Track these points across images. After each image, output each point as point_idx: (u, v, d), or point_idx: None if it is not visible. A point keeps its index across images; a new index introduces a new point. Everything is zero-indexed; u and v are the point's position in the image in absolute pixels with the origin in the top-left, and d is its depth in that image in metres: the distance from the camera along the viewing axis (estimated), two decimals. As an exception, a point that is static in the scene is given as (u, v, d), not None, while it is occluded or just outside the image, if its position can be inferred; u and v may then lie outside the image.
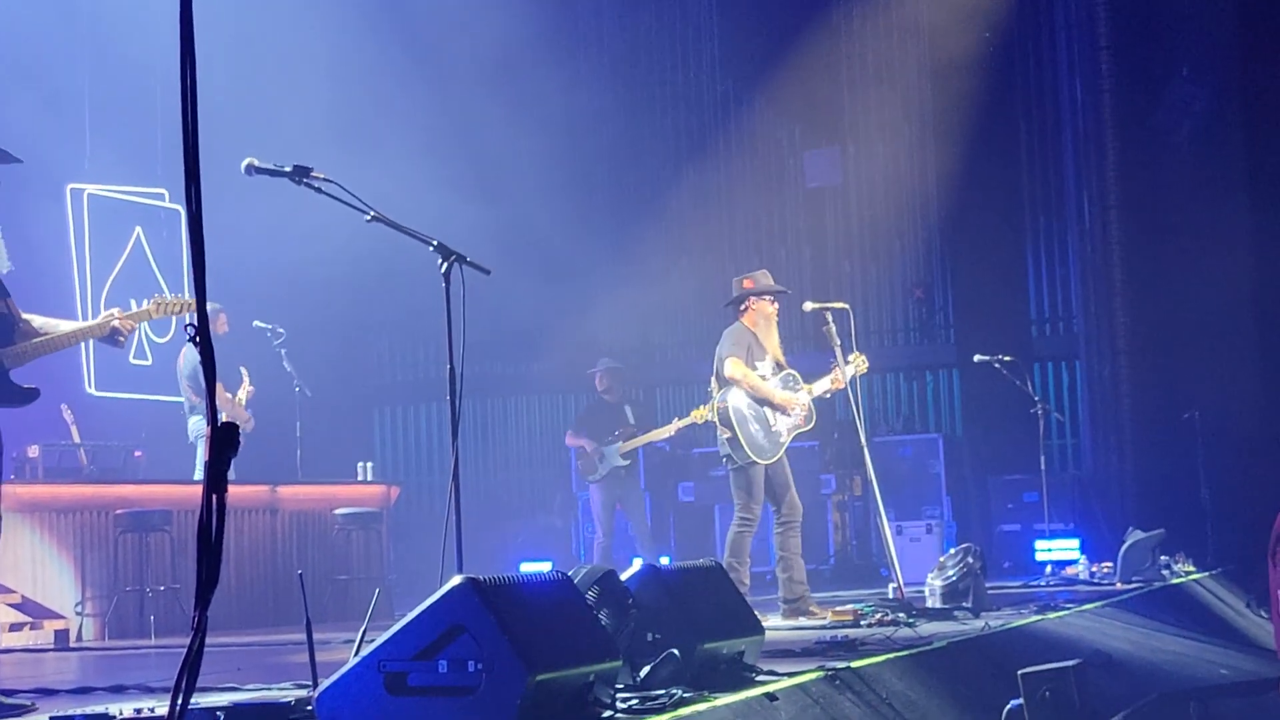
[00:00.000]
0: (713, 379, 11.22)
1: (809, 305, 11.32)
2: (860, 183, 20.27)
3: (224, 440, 3.77)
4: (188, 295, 7.81)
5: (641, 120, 20.85)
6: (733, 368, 10.92)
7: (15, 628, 11.88)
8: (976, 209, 19.01)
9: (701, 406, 16.23)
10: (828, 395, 11.46)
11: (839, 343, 11.16)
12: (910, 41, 19.61)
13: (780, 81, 19.30)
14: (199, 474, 13.97)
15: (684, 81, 21.07)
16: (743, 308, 11.27)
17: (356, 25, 18.39)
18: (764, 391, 10.96)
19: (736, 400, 10.92)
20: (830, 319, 11.24)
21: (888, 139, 19.74)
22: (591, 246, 20.95)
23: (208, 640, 9.72)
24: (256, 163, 6.65)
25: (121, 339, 7.29)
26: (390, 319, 21.15)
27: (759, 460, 10.88)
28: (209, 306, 3.52)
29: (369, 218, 6.71)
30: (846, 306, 11.40)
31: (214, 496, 3.69)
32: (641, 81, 20.96)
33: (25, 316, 7.09)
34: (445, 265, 6.72)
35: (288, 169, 6.62)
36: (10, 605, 12.05)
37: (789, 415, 11.05)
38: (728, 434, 10.92)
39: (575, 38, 20.63)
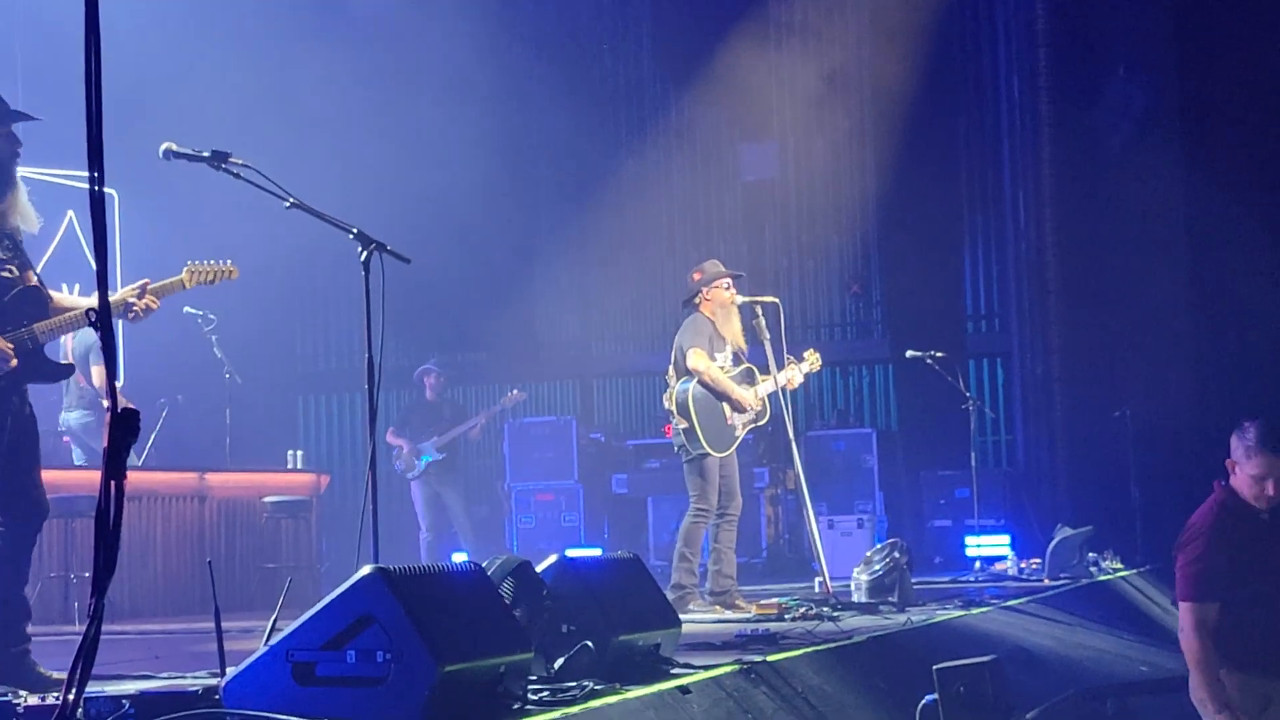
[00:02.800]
0: (670, 368, 11.16)
1: (740, 299, 11.30)
2: (798, 177, 20.27)
3: (124, 426, 3.74)
4: (209, 264, 7.37)
5: (581, 109, 20.79)
6: (695, 359, 10.86)
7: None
8: (913, 205, 19.05)
9: (513, 391, 16.59)
10: (792, 388, 11.46)
11: (769, 336, 11.15)
12: (849, 35, 19.61)
13: (718, 73, 19.27)
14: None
15: (624, 71, 21.04)
16: (697, 300, 11.23)
17: (289, 9, 18.26)
18: (724, 386, 10.93)
19: (695, 392, 10.89)
20: (760, 312, 11.24)
21: (825, 133, 19.72)
22: (530, 236, 20.95)
23: (131, 627, 9.74)
24: (175, 147, 6.60)
25: (133, 315, 6.97)
26: (318, 306, 21.09)
27: (713, 452, 10.87)
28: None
29: (288, 204, 6.67)
30: (777, 301, 11.38)
31: (112, 483, 3.66)
32: (581, 70, 20.91)
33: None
34: (365, 254, 6.68)
35: (206, 154, 6.57)
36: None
37: (745, 410, 11.05)
38: (684, 425, 10.88)
39: (514, 25, 20.55)
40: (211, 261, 7.40)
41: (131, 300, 6.96)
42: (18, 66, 16.63)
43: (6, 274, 6.73)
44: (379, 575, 5.08)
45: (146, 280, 7.08)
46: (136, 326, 7.59)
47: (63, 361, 7.07)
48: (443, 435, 15.99)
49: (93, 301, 6.80)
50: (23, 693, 6.00)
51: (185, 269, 7.30)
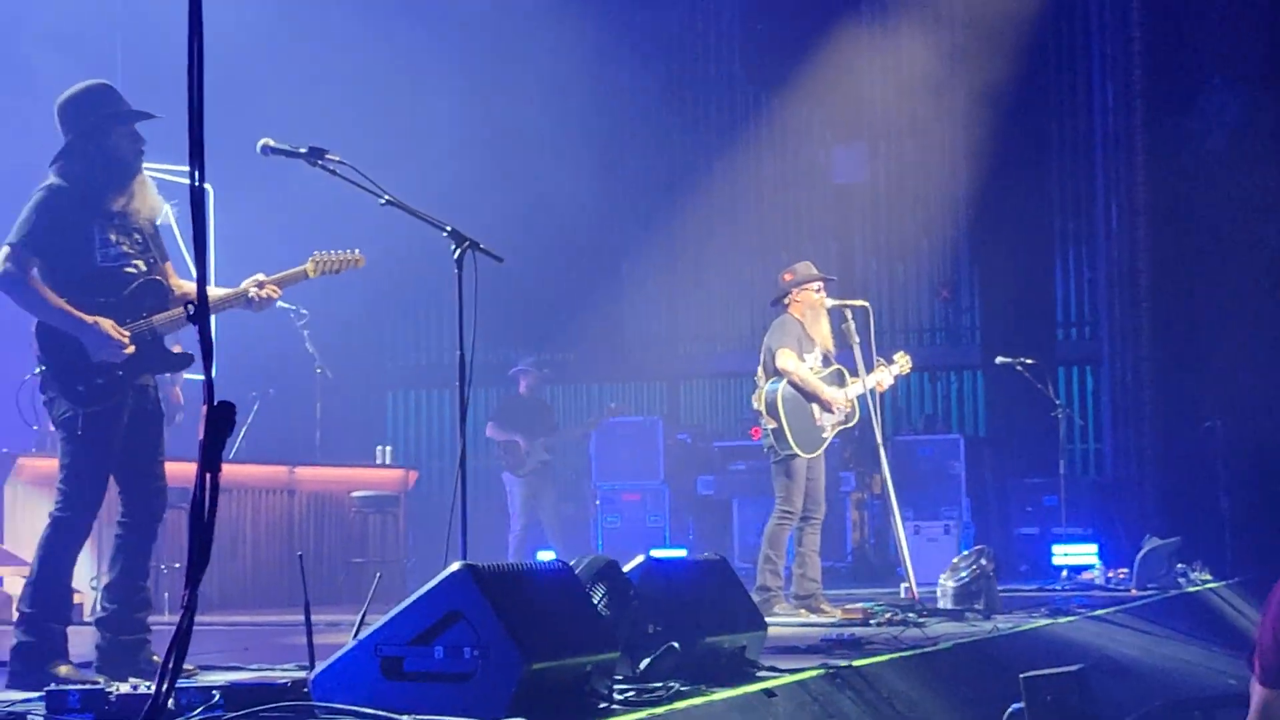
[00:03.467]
0: (759, 369, 11.17)
1: (829, 302, 11.28)
2: (889, 180, 20.20)
3: (220, 420, 3.77)
4: (334, 254, 7.31)
5: (671, 111, 20.83)
6: (784, 359, 10.87)
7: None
8: (1005, 210, 18.95)
9: (612, 404, 16.56)
10: (882, 391, 11.45)
11: (858, 340, 11.14)
12: (943, 40, 19.52)
13: (810, 76, 19.25)
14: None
15: (714, 73, 21.03)
16: (787, 301, 11.22)
17: (385, 8, 18.39)
18: (813, 386, 10.93)
19: (785, 392, 10.88)
20: (850, 316, 11.23)
21: (917, 137, 19.67)
22: (619, 236, 20.99)
23: (221, 619, 9.88)
24: (272, 143, 6.65)
25: (256, 306, 7.08)
26: (409, 303, 21.16)
27: (801, 453, 10.87)
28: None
29: (383, 201, 6.71)
30: (867, 304, 11.38)
31: (208, 476, 3.70)
32: (671, 73, 20.93)
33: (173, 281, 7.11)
34: (458, 251, 6.71)
35: (303, 150, 6.63)
36: (27, 579, 12.09)
37: (833, 412, 11.04)
38: (773, 425, 10.88)
39: (607, 29, 20.60)
40: (336, 251, 7.37)
41: (251, 292, 7.06)
42: (118, 62, 16.79)
43: (131, 268, 6.86)
44: (468, 572, 5.11)
45: (261, 275, 7.17)
46: (229, 320, 7.68)
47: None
48: (554, 437, 16.07)
49: (220, 292, 7.01)
50: (115, 682, 6.07)
51: (310, 258, 7.30)
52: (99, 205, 6.80)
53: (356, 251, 7.43)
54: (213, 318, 7.08)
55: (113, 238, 6.80)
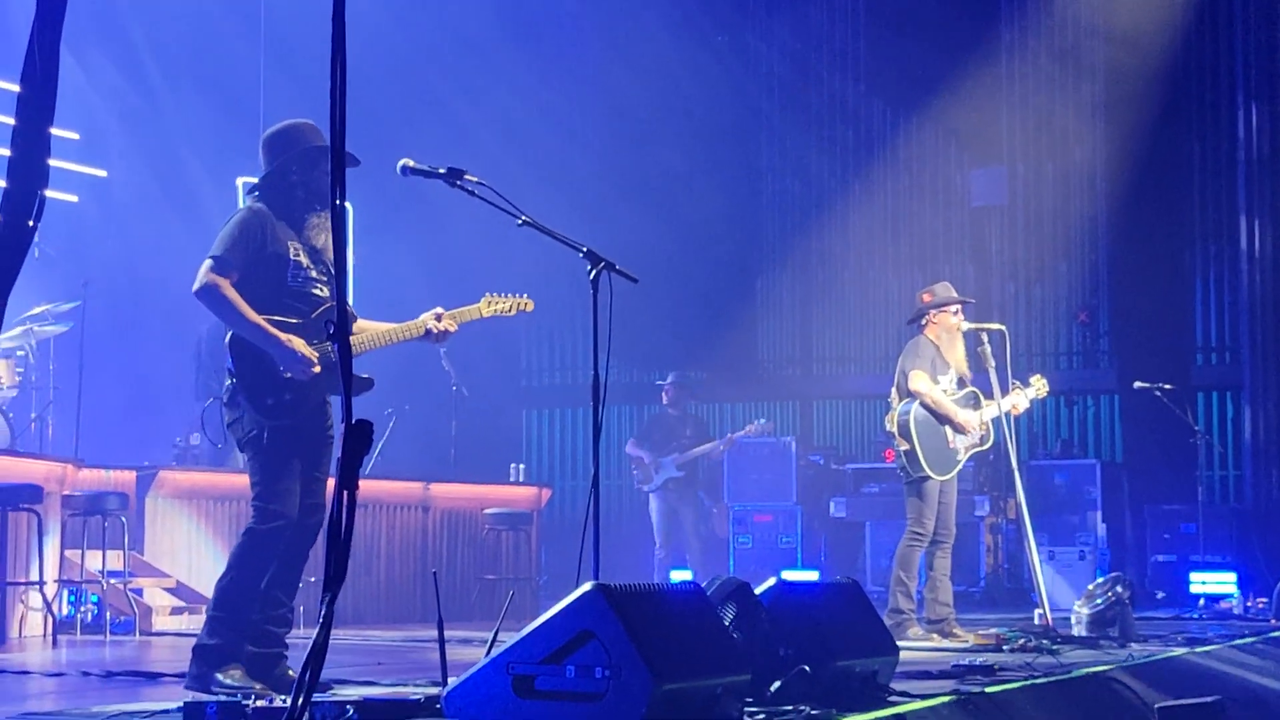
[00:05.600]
0: (893, 390, 11.12)
1: (965, 325, 11.22)
2: (1027, 203, 20.06)
3: (359, 437, 3.82)
4: (506, 297, 7.59)
5: (808, 133, 20.84)
6: (917, 381, 10.82)
7: (175, 611, 12.12)
8: (1144, 233, 18.75)
9: (757, 420, 16.42)
10: (1017, 414, 11.38)
11: (994, 364, 11.07)
12: (1082, 62, 19.38)
13: (949, 99, 19.19)
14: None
15: (851, 97, 20.98)
16: (924, 322, 11.18)
17: (525, 33, 18.60)
18: (946, 409, 10.88)
19: (917, 414, 10.84)
20: (986, 339, 11.16)
21: (1056, 159, 19.54)
22: (755, 256, 21.03)
23: (354, 634, 9.97)
24: (411, 164, 6.73)
25: (433, 338, 7.36)
26: (544, 322, 21.25)
27: (934, 476, 10.81)
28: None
29: (520, 222, 6.77)
30: (1003, 328, 11.28)
31: (345, 493, 3.74)
32: (808, 95, 20.92)
33: None
34: (594, 272, 6.75)
35: (442, 170, 6.69)
36: (166, 590, 12.30)
37: (967, 434, 10.98)
38: (906, 446, 10.83)
39: (741, 50, 20.69)
40: (509, 295, 7.61)
41: (430, 325, 7.32)
42: (260, 85, 17.06)
43: (318, 291, 7.08)
44: (600, 592, 5.12)
45: (439, 308, 7.39)
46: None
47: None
48: (684, 454, 15.97)
49: (386, 327, 7.21)
50: (252, 695, 6.16)
51: (483, 299, 7.59)
52: (294, 231, 7.06)
53: (526, 296, 7.69)
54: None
55: (304, 262, 7.03)
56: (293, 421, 6.90)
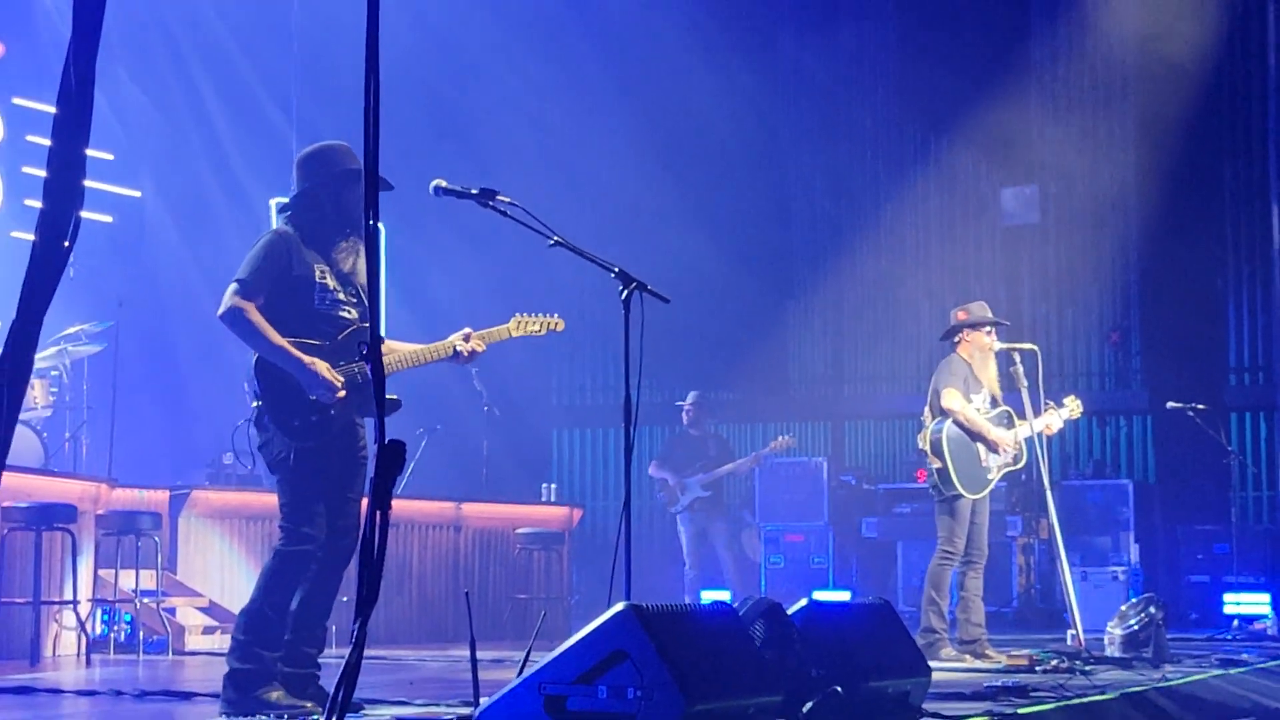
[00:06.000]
0: (926, 408, 11.11)
1: (998, 345, 11.20)
2: (1059, 222, 20.01)
3: (391, 457, 3.83)
4: (536, 317, 7.58)
5: (839, 152, 20.83)
6: (949, 399, 10.81)
7: (208, 630, 12.16)
8: (1177, 253, 18.69)
9: (781, 436, 16.29)
10: (1050, 434, 11.35)
11: (1026, 384, 11.04)
12: (1114, 82, 19.35)
13: (980, 118, 19.16)
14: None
15: (882, 116, 20.97)
16: (957, 339, 11.17)
17: (559, 56, 18.67)
18: (979, 426, 10.86)
19: (950, 432, 10.83)
20: (1018, 359, 11.13)
21: (1088, 179, 19.48)
22: (785, 276, 21.02)
23: (387, 653, 9.98)
24: (444, 184, 6.75)
25: (462, 359, 7.35)
26: (576, 342, 21.25)
27: (966, 494, 10.79)
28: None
29: (551, 242, 6.78)
30: (1035, 348, 11.25)
31: (378, 513, 3.75)
32: (839, 115, 20.92)
33: None
34: (625, 292, 6.75)
35: (474, 191, 6.71)
36: (199, 609, 12.34)
37: (1000, 453, 10.96)
38: (938, 464, 10.81)
39: (771, 69, 20.72)
40: (539, 315, 7.58)
41: (459, 346, 7.29)
42: (293, 106, 17.12)
43: (345, 314, 7.06)
44: (632, 612, 5.12)
45: (468, 329, 7.38)
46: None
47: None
48: (709, 473, 15.80)
49: (414, 348, 7.20)
50: (300, 714, 6.18)
51: (512, 319, 7.55)
52: (322, 254, 7.04)
53: (556, 316, 7.66)
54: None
55: (331, 284, 7.02)
56: (320, 443, 6.89)
